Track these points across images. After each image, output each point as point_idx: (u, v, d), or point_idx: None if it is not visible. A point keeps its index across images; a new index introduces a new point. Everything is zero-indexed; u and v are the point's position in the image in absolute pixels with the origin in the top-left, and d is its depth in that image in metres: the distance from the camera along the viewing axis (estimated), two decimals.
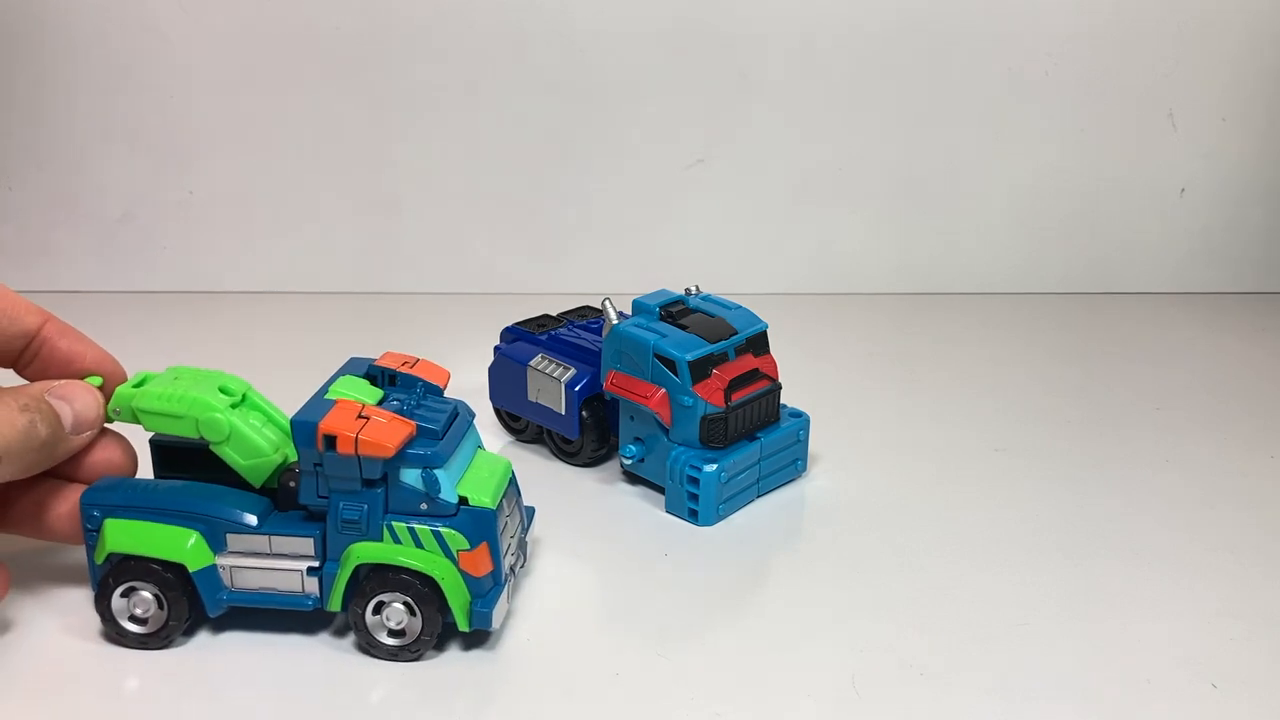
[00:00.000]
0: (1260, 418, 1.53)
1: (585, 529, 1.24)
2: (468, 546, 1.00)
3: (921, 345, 1.78)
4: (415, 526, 1.00)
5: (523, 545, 1.11)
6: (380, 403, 1.03)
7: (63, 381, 1.04)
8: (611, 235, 1.94)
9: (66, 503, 1.05)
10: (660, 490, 1.28)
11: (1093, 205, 1.97)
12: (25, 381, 1.07)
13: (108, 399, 1.05)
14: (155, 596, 1.01)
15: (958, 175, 1.95)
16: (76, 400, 1.03)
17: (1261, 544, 1.23)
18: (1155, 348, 1.78)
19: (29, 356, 1.07)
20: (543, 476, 1.33)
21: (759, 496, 1.30)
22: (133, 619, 1.01)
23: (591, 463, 1.36)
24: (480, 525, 1.01)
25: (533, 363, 1.35)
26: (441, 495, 0.99)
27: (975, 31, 1.87)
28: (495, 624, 1.01)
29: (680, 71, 1.87)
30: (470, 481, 1.03)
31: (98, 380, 1.08)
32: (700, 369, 1.23)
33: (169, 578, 1.00)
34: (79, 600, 1.07)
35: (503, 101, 1.87)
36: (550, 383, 1.33)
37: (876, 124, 1.91)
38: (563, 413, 1.33)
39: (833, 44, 1.86)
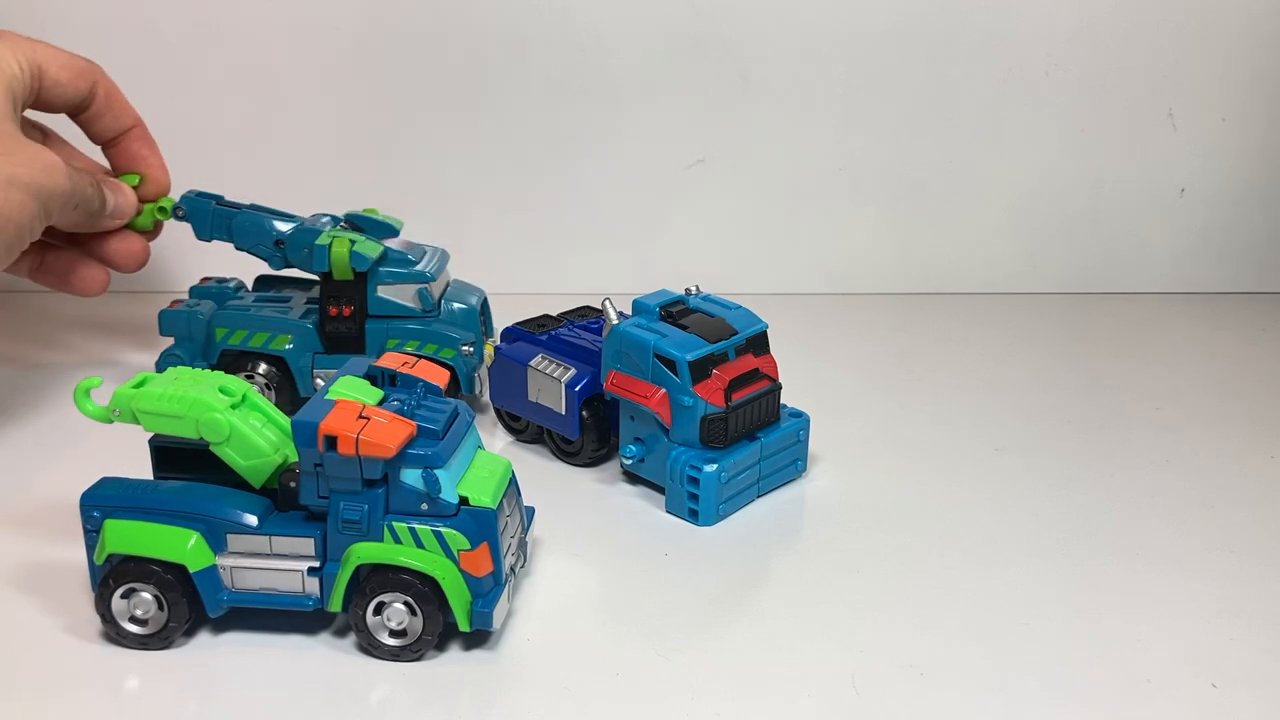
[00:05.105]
0: (1260, 418, 1.53)
1: (585, 529, 1.24)
2: (468, 546, 1.00)
3: (921, 345, 1.78)
4: (416, 526, 1.00)
5: (523, 545, 1.11)
6: (381, 403, 1.03)
7: (117, 180, 1.45)
8: (611, 235, 1.94)
9: (89, 269, 1.44)
10: (660, 490, 1.28)
11: (1092, 205, 1.97)
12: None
13: (142, 199, 1.46)
14: (155, 598, 1.01)
15: (958, 175, 1.95)
16: (121, 195, 1.43)
17: (1261, 544, 1.23)
18: (1155, 348, 1.78)
19: (92, 116, 1.44)
20: (543, 477, 1.33)
21: (759, 496, 1.30)
22: (133, 620, 1.01)
23: (592, 463, 1.36)
24: (481, 525, 1.01)
25: (533, 363, 1.35)
26: (442, 495, 0.99)
27: (975, 31, 1.87)
28: (496, 624, 1.01)
29: (680, 71, 1.87)
30: (470, 481, 1.03)
31: (135, 179, 1.46)
32: (700, 369, 1.23)
33: (169, 579, 1.00)
34: (79, 600, 1.07)
35: (503, 101, 1.87)
36: (550, 383, 1.33)
37: (876, 124, 1.91)
38: (563, 413, 1.33)
39: (833, 44, 1.86)
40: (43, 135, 1.46)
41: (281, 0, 1.79)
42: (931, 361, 1.72)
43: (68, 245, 1.45)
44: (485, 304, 1.53)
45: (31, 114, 1.40)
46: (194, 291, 1.55)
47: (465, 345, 1.43)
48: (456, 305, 1.48)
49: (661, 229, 1.94)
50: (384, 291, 1.43)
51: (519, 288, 1.92)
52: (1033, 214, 1.97)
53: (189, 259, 1.79)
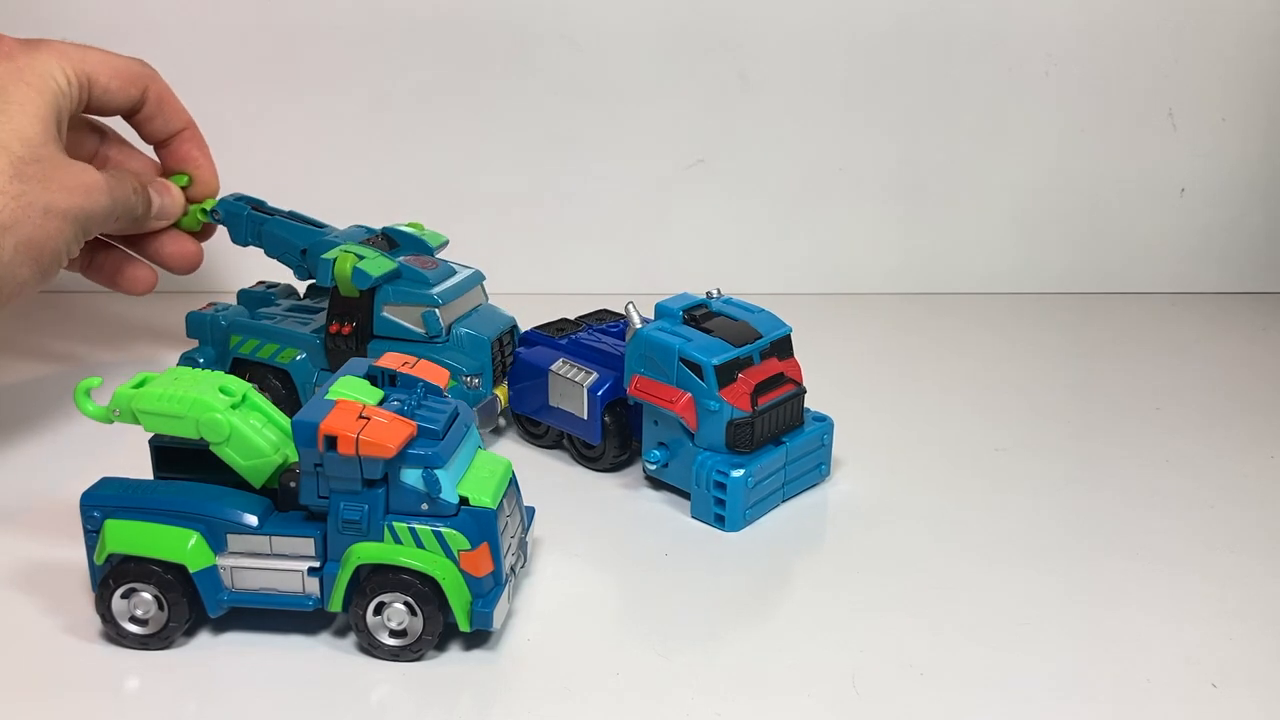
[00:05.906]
0: (1260, 418, 1.53)
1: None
2: (469, 546, 1.00)
3: (921, 345, 1.78)
4: (416, 526, 1.00)
5: (523, 545, 1.11)
6: (381, 403, 1.03)
7: (165, 181, 1.46)
8: (611, 235, 1.94)
9: (137, 269, 1.49)
10: (684, 495, 1.27)
11: (1093, 205, 1.97)
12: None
13: (190, 200, 1.48)
14: (155, 598, 1.01)
15: (958, 175, 1.95)
16: (168, 195, 1.44)
17: (1261, 544, 1.23)
18: (1155, 348, 1.78)
19: (144, 119, 1.45)
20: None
21: (784, 501, 1.29)
22: (133, 620, 1.01)
23: (613, 468, 1.35)
24: (481, 525, 1.01)
25: (554, 367, 1.35)
26: (442, 495, 0.99)
27: (975, 31, 1.87)
28: (496, 624, 1.01)
29: (680, 71, 1.87)
30: (471, 481, 1.03)
31: (184, 179, 1.47)
32: (726, 373, 1.22)
33: (169, 579, 1.00)
34: (79, 600, 1.07)
35: (502, 101, 1.87)
36: (572, 387, 1.32)
37: (876, 124, 1.91)
38: (585, 417, 1.32)
39: (833, 44, 1.86)
40: (100, 135, 1.47)
41: (281, 0, 1.80)
42: (931, 361, 1.72)
43: (120, 244, 1.48)
44: (515, 331, 1.44)
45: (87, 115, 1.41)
46: (240, 295, 1.53)
47: (469, 376, 1.35)
48: (467, 332, 1.38)
49: (661, 229, 1.94)
50: (389, 312, 1.37)
51: (518, 288, 1.92)
52: (1033, 214, 1.97)
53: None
